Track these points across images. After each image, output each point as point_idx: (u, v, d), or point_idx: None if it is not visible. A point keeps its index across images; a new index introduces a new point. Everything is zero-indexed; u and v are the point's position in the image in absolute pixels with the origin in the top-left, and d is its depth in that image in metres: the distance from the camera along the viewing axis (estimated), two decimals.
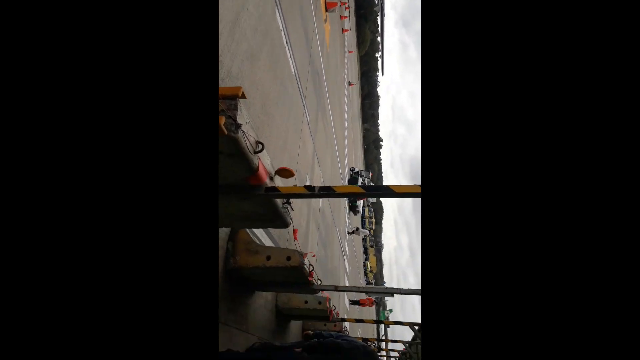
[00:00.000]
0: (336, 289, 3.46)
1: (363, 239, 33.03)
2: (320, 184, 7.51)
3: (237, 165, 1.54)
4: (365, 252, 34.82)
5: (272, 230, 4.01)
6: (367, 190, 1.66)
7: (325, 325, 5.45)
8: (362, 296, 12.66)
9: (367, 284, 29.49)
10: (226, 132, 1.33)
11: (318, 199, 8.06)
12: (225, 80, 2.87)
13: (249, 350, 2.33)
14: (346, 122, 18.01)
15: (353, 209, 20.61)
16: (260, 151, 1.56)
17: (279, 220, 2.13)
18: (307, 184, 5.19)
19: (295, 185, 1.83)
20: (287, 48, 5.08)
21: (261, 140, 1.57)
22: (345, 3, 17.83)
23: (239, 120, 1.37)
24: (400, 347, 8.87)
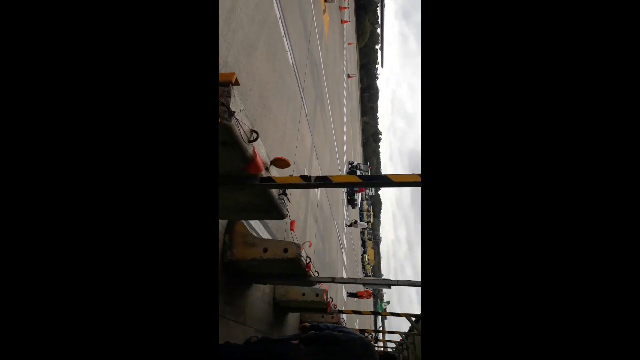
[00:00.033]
0: (333, 280, 3.45)
1: (361, 232, 33.19)
2: None
3: (231, 154, 1.50)
4: (363, 245, 35.01)
5: (269, 222, 3.99)
6: (364, 180, 1.62)
7: (322, 317, 5.46)
8: (360, 288, 12.73)
9: (365, 277, 29.69)
10: (219, 119, 1.30)
11: (317, 192, 8.04)
12: (222, 70, 2.82)
13: (246, 343, 2.32)
14: (345, 115, 17.93)
15: (351, 202, 20.65)
16: (255, 140, 1.52)
17: (275, 211, 2.10)
18: None
19: (292, 176, 1.79)
20: (284, 39, 5.00)
21: (258, 131, 1.53)
22: None
23: (232, 108, 1.33)
24: (397, 337, 8.94)
